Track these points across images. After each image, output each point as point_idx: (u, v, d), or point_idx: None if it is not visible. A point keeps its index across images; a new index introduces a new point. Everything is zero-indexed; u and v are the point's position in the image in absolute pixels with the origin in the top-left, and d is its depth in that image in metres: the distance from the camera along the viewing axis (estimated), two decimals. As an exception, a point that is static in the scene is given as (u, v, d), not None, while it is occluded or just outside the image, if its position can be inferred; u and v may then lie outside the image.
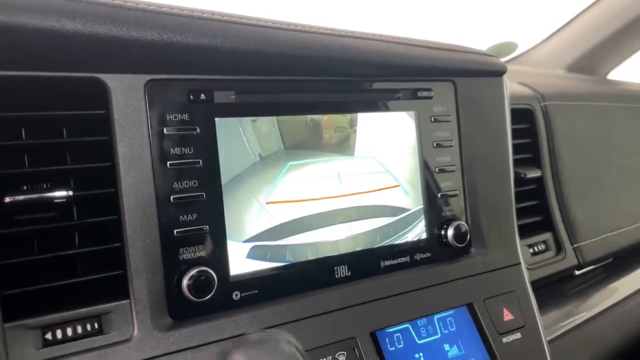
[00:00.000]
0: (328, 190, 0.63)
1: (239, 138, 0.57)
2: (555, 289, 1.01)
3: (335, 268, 0.63)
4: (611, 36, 1.48)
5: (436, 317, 0.67)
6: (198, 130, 0.55)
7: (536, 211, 0.99)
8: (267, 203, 0.59)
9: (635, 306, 1.07)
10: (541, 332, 0.73)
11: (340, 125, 0.64)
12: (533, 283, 0.80)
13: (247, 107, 0.58)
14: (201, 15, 0.53)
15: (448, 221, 0.71)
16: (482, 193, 0.75)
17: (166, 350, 0.51)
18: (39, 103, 0.49)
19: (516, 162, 0.90)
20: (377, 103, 0.67)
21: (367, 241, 0.65)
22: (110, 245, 0.52)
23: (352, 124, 0.65)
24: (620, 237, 1.10)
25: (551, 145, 1.02)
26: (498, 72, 0.77)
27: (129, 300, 0.51)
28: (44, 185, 0.50)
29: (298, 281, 0.60)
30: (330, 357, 0.57)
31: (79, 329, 0.49)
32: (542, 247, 0.97)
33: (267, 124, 0.59)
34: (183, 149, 0.54)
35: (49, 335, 0.47)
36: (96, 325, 0.49)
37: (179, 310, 0.53)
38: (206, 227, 0.55)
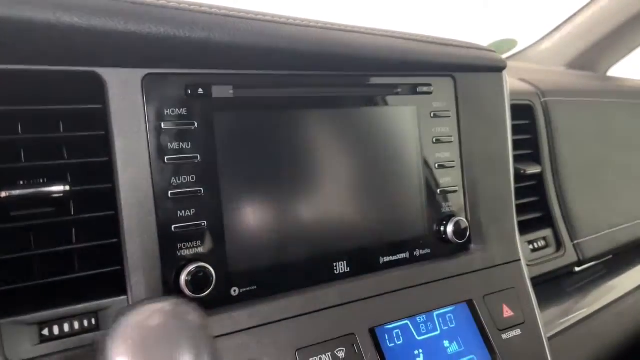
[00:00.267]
0: (327, 186, 0.62)
1: (237, 133, 0.57)
2: (555, 286, 1.01)
3: (335, 264, 0.62)
4: (611, 33, 1.48)
5: (436, 313, 0.66)
6: (196, 125, 0.54)
7: (536, 207, 0.99)
8: (266, 198, 0.58)
9: (635, 303, 1.07)
10: (541, 328, 0.73)
11: (339, 120, 0.64)
12: (533, 279, 0.80)
13: (245, 102, 0.57)
14: (198, 8, 0.52)
15: (448, 217, 0.71)
16: (482, 189, 0.74)
17: None
18: (36, 97, 0.49)
19: (516, 158, 0.90)
20: (376, 98, 0.67)
21: (366, 237, 0.65)
22: (107, 240, 0.51)
23: (351, 118, 0.64)
24: (621, 234, 1.10)
25: (551, 141, 1.02)
26: (498, 68, 0.77)
27: (126, 296, 0.50)
28: (41, 180, 0.50)
29: (297, 277, 0.60)
30: (329, 353, 0.57)
31: (76, 325, 0.48)
32: (542, 243, 0.97)
33: (265, 118, 0.59)
34: (181, 144, 0.53)
35: (45, 331, 0.47)
36: (93, 321, 0.49)
37: None
38: (204, 223, 0.54)
